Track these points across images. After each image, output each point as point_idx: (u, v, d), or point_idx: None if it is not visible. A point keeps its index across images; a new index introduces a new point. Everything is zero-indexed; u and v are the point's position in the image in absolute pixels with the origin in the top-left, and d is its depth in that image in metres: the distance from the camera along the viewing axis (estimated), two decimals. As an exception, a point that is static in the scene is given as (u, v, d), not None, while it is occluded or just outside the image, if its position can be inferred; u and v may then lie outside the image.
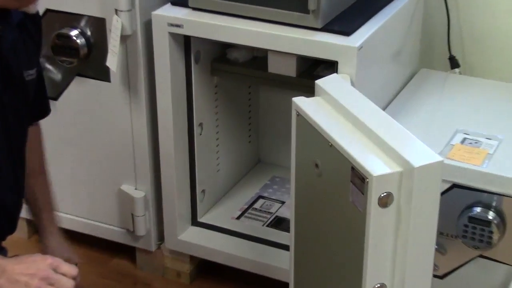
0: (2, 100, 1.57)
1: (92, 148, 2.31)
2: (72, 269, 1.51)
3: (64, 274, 1.51)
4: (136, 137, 2.22)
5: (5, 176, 1.64)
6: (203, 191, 2.32)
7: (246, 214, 2.36)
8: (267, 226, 2.31)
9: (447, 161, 1.85)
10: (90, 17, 2.13)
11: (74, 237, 2.36)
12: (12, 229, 1.72)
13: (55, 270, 1.50)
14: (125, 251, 2.42)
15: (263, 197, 2.44)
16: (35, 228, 2.38)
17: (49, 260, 1.51)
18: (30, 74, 1.66)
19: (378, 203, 1.42)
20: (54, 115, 1.86)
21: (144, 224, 2.30)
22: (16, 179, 1.69)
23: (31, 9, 1.58)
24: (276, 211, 2.37)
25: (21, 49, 1.62)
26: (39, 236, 1.93)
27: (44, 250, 1.89)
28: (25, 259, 1.52)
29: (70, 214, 2.39)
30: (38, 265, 1.50)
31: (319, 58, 1.92)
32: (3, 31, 1.54)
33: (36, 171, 1.87)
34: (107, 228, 2.39)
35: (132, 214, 2.30)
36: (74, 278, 1.51)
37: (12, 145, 1.65)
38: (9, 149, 1.63)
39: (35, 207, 1.91)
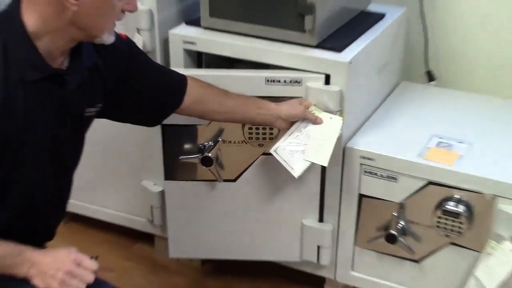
0: (59, 135, 1.54)
1: (118, 150, 2.29)
2: (93, 264, 1.51)
3: (86, 269, 1.50)
4: (152, 140, 2.15)
5: (51, 199, 1.62)
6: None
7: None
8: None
9: (424, 161, 1.90)
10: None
11: (102, 225, 2.44)
12: (51, 237, 1.71)
13: (79, 264, 1.50)
14: (145, 238, 2.42)
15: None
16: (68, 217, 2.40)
17: (73, 255, 1.50)
18: (91, 111, 1.61)
19: None
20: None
21: (161, 215, 2.27)
22: (61, 201, 1.68)
23: (105, 40, 1.49)
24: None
25: (88, 89, 1.57)
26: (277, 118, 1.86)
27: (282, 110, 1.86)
28: (52, 253, 1.52)
29: (99, 206, 2.42)
30: (63, 260, 1.50)
31: (314, 72, 1.90)
32: (69, 74, 1.50)
33: (224, 95, 1.85)
34: (131, 218, 2.38)
35: (151, 206, 2.29)
36: (94, 272, 1.51)
37: (61, 172, 1.62)
38: (57, 176, 1.60)
39: (255, 109, 1.86)
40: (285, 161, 1.90)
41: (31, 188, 1.54)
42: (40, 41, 1.42)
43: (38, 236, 1.65)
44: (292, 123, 1.89)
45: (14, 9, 1.42)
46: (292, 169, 1.89)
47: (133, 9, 1.50)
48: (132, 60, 1.69)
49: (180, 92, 1.79)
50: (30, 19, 1.41)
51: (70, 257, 1.50)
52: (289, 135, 1.90)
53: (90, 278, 1.49)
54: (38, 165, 1.53)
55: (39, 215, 1.61)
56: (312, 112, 1.89)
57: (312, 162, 1.88)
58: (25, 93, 1.43)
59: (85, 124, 1.64)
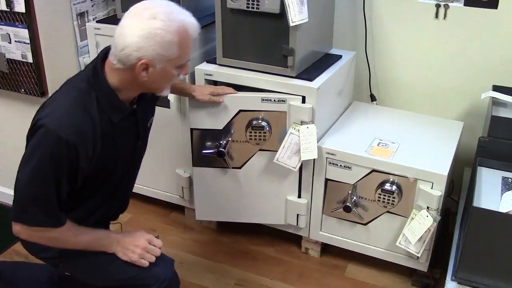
0: (135, 146, 1.57)
1: (160, 149, 2.26)
2: (159, 242, 1.52)
3: (154, 245, 1.51)
4: (184, 140, 2.18)
5: (128, 184, 1.66)
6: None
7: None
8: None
9: (369, 156, 1.90)
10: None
11: (150, 200, 2.43)
12: (125, 208, 1.73)
13: (150, 242, 1.50)
14: (178, 208, 2.42)
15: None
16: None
17: (146, 236, 1.51)
18: (151, 120, 1.65)
19: None
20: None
21: (189, 193, 2.29)
22: (133, 183, 1.70)
23: (164, 94, 1.51)
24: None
25: (148, 111, 1.62)
26: (191, 95, 1.89)
27: (194, 92, 1.87)
28: (131, 234, 1.52)
29: (148, 186, 2.39)
30: (140, 239, 1.49)
31: (294, 94, 1.90)
32: (139, 106, 1.53)
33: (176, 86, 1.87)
34: (169, 194, 2.36)
35: (182, 187, 2.29)
36: (160, 248, 1.52)
37: (134, 166, 1.64)
38: (132, 169, 1.63)
39: (183, 90, 1.90)
40: (285, 164, 1.92)
41: (120, 180, 1.58)
42: (120, 93, 1.44)
43: (119, 207, 1.69)
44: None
45: (99, 70, 1.42)
46: (293, 167, 1.93)
47: (187, 73, 1.49)
48: None
49: None
50: (112, 80, 1.42)
51: (144, 237, 1.50)
52: (283, 147, 1.90)
53: (158, 252, 1.50)
54: (124, 165, 1.56)
55: (122, 194, 1.65)
56: (293, 127, 1.89)
57: (308, 159, 1.90)
58: (114, 127, 1.46)
59: (149, 131, 1.66)
